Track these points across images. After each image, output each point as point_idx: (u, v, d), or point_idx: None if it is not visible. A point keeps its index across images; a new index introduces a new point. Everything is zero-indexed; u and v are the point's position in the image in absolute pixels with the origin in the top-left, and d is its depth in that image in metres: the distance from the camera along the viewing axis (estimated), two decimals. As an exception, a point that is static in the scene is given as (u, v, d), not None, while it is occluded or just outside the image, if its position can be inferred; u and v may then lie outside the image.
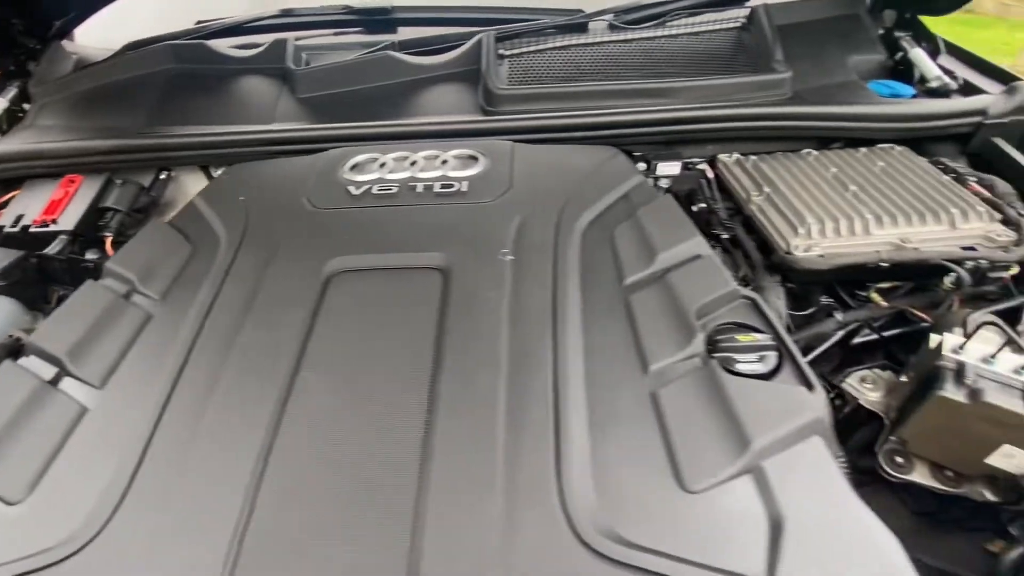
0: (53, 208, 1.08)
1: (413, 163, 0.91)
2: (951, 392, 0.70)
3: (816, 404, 0.56)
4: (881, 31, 1.28)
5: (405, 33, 1.30)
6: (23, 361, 0.65)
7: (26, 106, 1.30)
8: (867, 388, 0.87)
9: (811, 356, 0.91)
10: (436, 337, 0.62)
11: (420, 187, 0.86)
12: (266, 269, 0.72)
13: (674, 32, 1.22)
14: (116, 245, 1.04)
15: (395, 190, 0.85)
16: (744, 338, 0.62)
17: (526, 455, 0.52)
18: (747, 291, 0.69)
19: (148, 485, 0.53)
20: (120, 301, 0.73)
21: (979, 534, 0.83)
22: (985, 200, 0.89)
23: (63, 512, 0.51)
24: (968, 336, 0.74)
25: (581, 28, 1.25)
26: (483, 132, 1.03)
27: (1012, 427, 0.69)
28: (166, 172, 1.14)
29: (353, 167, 0.92)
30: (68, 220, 1.05)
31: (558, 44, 1.19)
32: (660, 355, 0.61)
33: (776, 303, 0.88)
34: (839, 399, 0.91)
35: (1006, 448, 0.72)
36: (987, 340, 0.74)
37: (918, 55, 1.18)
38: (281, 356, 0.60)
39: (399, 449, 0.52)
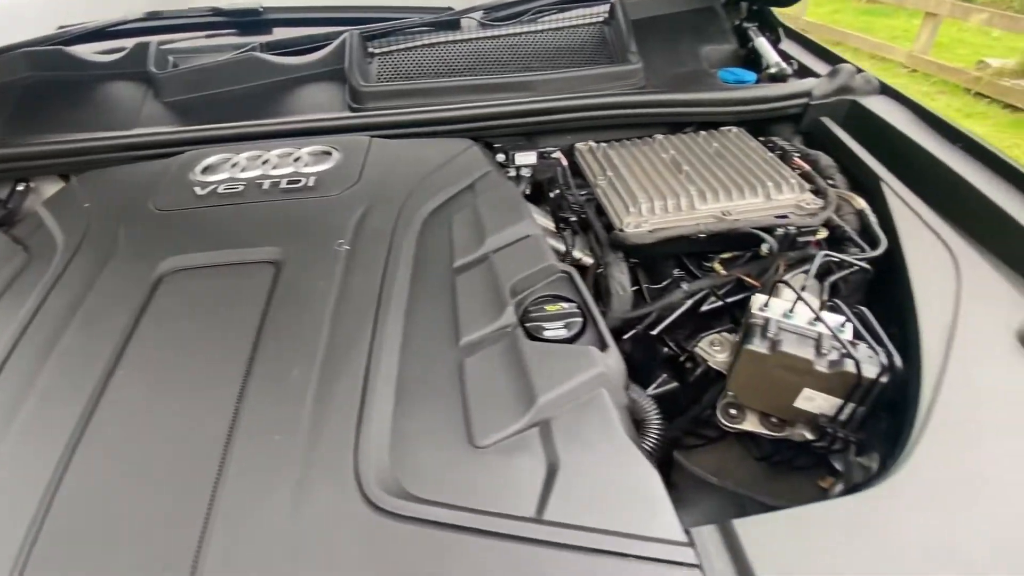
0: None
1: (266, 161, 0.92)
2: (756, 345, 0.78)
3: (604, 360, 0.62)
4: (737, 22, 1.39)
5: (279, 34, 1.31)
6: None
7: None
8: (715, 350, 0.95)
9: (663, 325, 0.98)
10: (257, 329, 0.64)
11: (267, 184, 0.87)
12: (99, 273, 0.72)
13: (540, 28, 1.27)
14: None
15: (241, 188, 0.87)
16: (552, 308, 0.67)
17: (327, 433, 0.55)
18: (564, 266, 0.75)
19: None
20: None
21: (814, 472, 0.92)
22: (801, 174, 0.99)
23: None
24: (770, 295, 0.82)
25: (453, 26, 1.28)
26: (348, 129, 1.06)
27: (806, 372, 0.77)
28: (24, 183, 1.10)
29: (205, 168, 0.92)
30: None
31: (427, 42, 1.23)
32: (472, 328, 0.65)
33: (620, 277, 0.95)
34: (691, 362, 0.99)
35: (807, 392, 0.80)
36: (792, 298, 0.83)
37: (761, 43, 1.28)
38: (98, 357, 0.61)
39: (203, 442, 0.54)
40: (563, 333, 0.65)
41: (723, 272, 0.99)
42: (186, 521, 0.49)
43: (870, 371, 0.71)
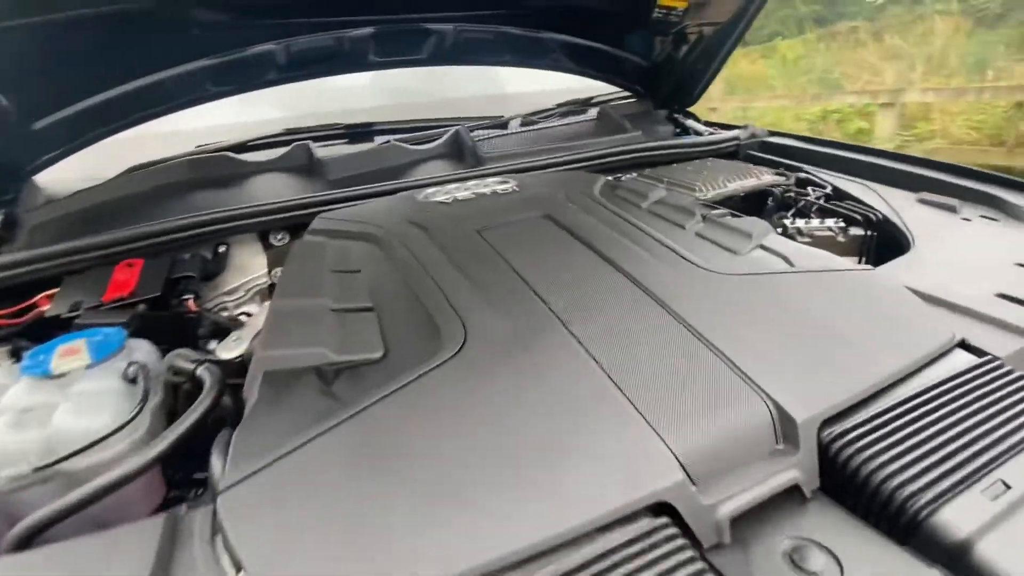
0: (122, 287, 1.14)
1: (467, 188, 1.31)
2: (799, 237, 1.34)
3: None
4: (667, 115, 2.19)
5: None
6: None
7: None
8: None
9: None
10: (571, 235, 1.00)
11: (488, 192, 1.25)
12: (435, 243, 1.00)
13: (560, 123, 1.92)
14: (197, 304, 1.15)
15: (473, 197, 1.23)
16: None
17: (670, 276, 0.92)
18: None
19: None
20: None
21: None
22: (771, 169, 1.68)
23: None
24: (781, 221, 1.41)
25: (503, 126, 1.86)
26: (482, 177, 1.49)
27: (832, 244, 1.34)
28: (224, 245, 1.30)
29: (426, 195, 1.27)
30: (150, 289, 1.13)
31: (499, 133, 1.77)
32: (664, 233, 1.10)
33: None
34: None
35: (834, 261, 1.36)
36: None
37: (691, 124, 2.08)
38: (504, 269, 0.90)
39: (614, 285, 0.84)
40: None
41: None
42: (630, 294, 0.82)
43: (859, 230, 1.31)
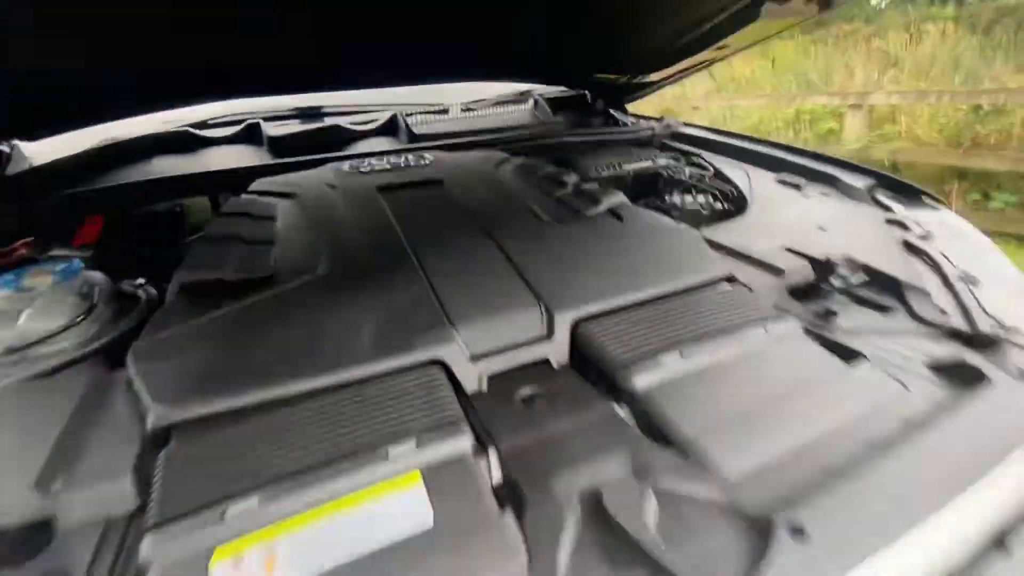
0: (88, 236, 1.37)
1: (389, 161, 1.53)
2: (675, 211, 1.56)
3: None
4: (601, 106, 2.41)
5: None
6: None
7: None
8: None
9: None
10: (456, 202, 1.23)
11: (403, 163, 1.48)
12: (339, 196, 1.24)
13: (499, 111, 2.14)
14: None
15: (389, 167, 1.45)
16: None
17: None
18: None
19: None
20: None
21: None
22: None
23: None
24: (666, 197, 1.63)
25: (444, 112, 2.08)
26: (414, 151, 1.71)
27: (697, 215, 1.56)
28: (179, 207, 1.52)
29: (351, 166, 1.50)
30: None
31: (439, 118, 1.99)
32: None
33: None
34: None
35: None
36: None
37: (619, 115, 2.30)
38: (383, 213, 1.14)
39: (483, 236, 1.07)
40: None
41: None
42: (474, 232, 1.04)
43: (721, 204, 1.53)
